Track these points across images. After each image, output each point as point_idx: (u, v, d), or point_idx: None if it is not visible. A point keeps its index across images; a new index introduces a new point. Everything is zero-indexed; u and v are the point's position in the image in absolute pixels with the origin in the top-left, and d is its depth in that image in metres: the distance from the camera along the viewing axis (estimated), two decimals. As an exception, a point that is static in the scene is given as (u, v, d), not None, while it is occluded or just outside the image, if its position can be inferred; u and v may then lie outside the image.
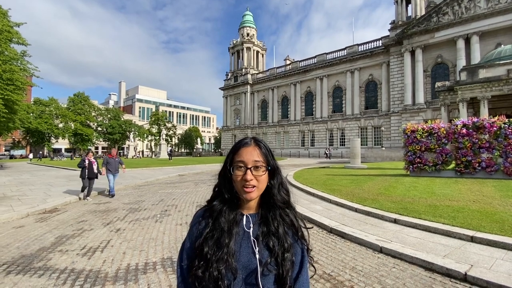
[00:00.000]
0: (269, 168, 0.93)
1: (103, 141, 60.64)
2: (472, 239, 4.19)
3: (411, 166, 11.37)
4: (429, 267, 3.49)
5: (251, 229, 0.91)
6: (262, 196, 0.95)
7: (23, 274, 3.46)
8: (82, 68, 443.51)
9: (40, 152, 44.67)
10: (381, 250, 4.11)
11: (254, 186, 0.88)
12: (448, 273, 3.30)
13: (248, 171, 0.88)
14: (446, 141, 10.59)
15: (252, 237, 0.90)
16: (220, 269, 0.82)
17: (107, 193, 9.51)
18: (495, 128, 9.63)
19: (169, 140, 60.46)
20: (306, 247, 0.96)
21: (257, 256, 0.86)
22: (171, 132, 63.22)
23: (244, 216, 0.93)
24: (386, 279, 3.27)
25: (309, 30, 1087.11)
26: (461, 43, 28.46)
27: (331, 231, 5.14)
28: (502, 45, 22.83)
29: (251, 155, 0.90)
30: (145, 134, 62.31)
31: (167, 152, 40.04)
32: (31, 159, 39.43)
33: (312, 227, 5.14)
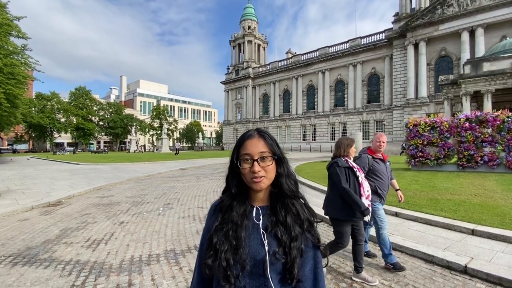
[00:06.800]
0: (276, 157, 0.93)
1: (105, 135, 60.93)
2: (473, 232, 4.21)
3: (413, 160, 11.35)
4: (430, 260, 3.52)
5: (261, 221, 0.92)
6: (271, 187, 0.96)
7: (29, 265, 3.53)
8: (78, 61, 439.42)
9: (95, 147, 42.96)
10: (382, 243, 4.13)
11: (263, 177, 0.89)
12: (449, 266, 3.33)
13: (255, 162, 0.88)
14: (449, 135, 10.53)
15: (261, 229, 0.91)
16: (228, 260, 0.84)
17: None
18: (498, 122, 9.55)
19: (170, 134, 60.52)
20: (316, 242, 0.94)
21: (266, 247, 0.88)
22: (172, 126, 63.28)
23: (254, 208, 0.94)
24: (386, 271, 3.31)
25: (305, 22, 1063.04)
26: (465, 36, 28.03)
27: (332, 224, 5.17)
28: (507, 38, 22.46)
29: (256, 146, 0.91)
30: (147, 129, 62.44)
31: (175, 147, 39.56)
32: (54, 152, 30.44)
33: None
